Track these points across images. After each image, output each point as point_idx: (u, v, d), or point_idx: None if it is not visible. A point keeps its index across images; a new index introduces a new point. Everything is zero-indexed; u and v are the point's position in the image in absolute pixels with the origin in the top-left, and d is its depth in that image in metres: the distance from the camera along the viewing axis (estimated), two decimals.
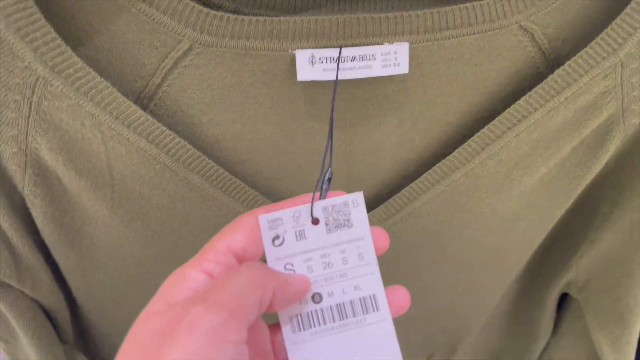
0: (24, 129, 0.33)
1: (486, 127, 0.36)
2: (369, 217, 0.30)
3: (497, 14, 0.33)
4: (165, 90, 0.34)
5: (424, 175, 0.38)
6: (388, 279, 0.31)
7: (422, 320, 0.50)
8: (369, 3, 0.35)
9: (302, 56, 0.33)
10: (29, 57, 0.30)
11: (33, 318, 0.43)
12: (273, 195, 0.39)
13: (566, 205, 0.43)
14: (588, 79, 0.34)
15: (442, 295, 0.49)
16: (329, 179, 0.31)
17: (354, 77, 0.33)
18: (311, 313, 0.30)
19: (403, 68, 0.34)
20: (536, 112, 0.35)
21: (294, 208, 0.30)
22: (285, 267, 0.30)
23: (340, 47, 0.33)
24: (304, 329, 0.30)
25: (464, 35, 0.34)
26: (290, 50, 0.33)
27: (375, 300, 0.30)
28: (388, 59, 0.33)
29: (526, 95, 0.35)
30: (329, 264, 0.30)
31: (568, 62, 0.34)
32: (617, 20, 0.34)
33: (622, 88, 0.36)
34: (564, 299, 0.55)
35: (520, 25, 0.34)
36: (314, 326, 0.30)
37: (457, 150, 0.37)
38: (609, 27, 0.34)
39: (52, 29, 0.30)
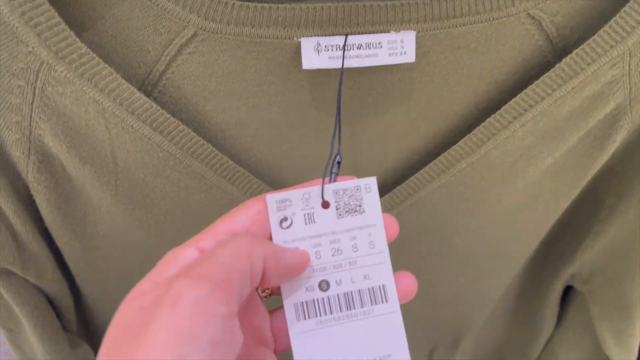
0: (28, 115, 0.33)
1: (492, 116, 0.36)
2: None
3: (505, 1, 0.33)
4: (169, 77, 0.34)
5: (429, 165, 0.38)
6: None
7: (425, 312, 0.50)
8: None
9: (307, 44, 0.32)
10: (33, 41, 0.30)
11: (37, 306, 0.43)
12: (277, 184, 0.39)
13: (572, 196, 0.43)
14: (596, 68, 0.34)
15: (446, 286, 0.49)
16: (339, 163, 0.30)
17: (360, 65, 0.33)
18: (317, 301, 0.29)
19: (410, 57, 0.33)
20: (543, 102, 0.35)
21: (304, 189, 0.29)
22: None
23: (346, 35, 0.32)
24: (309, 317, 0.29)
25: (471, 24, 0.33)
26: (295, 38, 0.32)
27: (384, 291, 0.29)
28: (395, 47, 0.33)
29: (533, 84, 0.35)
30: (338, 250, 0.29)
31: (575, 51, 0.34)
32: (626, 8, 0.33)
33: (629, 77, 0.35)
34: (568, 291, 0.55)
35: (528, 13, 0.34)
36: (320, 315, 0.29)
37: (462, 140, 0.37)
38: (617, 15, 0.33)
39: (56, 14, 0.30)
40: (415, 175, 0.39)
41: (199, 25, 0.32)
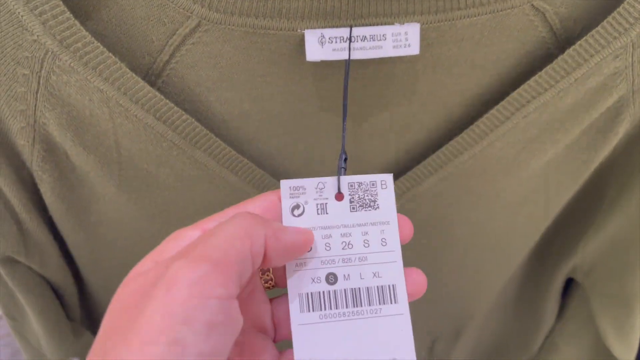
0: (33, 104, 0.33)
1: (495, 108, 0.36)
2: None
3: None
4: (173, 67, 0.34)
5: (431, 156, 0.38)
6: None
7: (427, 304, 0.50)
8: None
9: (311, 36, 0.32)
10: (38, 30, 0.30)
11: (41, 295, 0.43)
12: (280, 175, 0.39)
13: (574, 188, 0.43)
14: (599, 60, 0.34)
15: (447, 278, 0.49)
16: (345, 159, 0.30)
17: (364, 57, 0.33)
18: (323, 293, 0.28)
19: (414, 49, 0.33)
20: (546, 93, 0.35)
21: (319, 178, 0.28)
22: None
23: (351, 27, 0.32)
24: (312, 310, 0.27)
25: (475, 16, 0.33)
26: (299, 30, 0.32)
27: (394, 291, 0.28)
28: (399, 39, 0.33)
29: (536, 76, 0.35)
30: (348, 244, 0.28)
31: (578, 42, 0.34)
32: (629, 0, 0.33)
33: (633, 69, 0.35)
34: (569, 284, 0.55)
35: (532, 5, 0.34)
36: (324, 308, 0.28)
37: (465, 131, 0.37)
38: (620, 7, 0.33)
39: (60, 2, 0.30)
40: (418, 167, 0.39)
41: (202, 16, 0.32)
